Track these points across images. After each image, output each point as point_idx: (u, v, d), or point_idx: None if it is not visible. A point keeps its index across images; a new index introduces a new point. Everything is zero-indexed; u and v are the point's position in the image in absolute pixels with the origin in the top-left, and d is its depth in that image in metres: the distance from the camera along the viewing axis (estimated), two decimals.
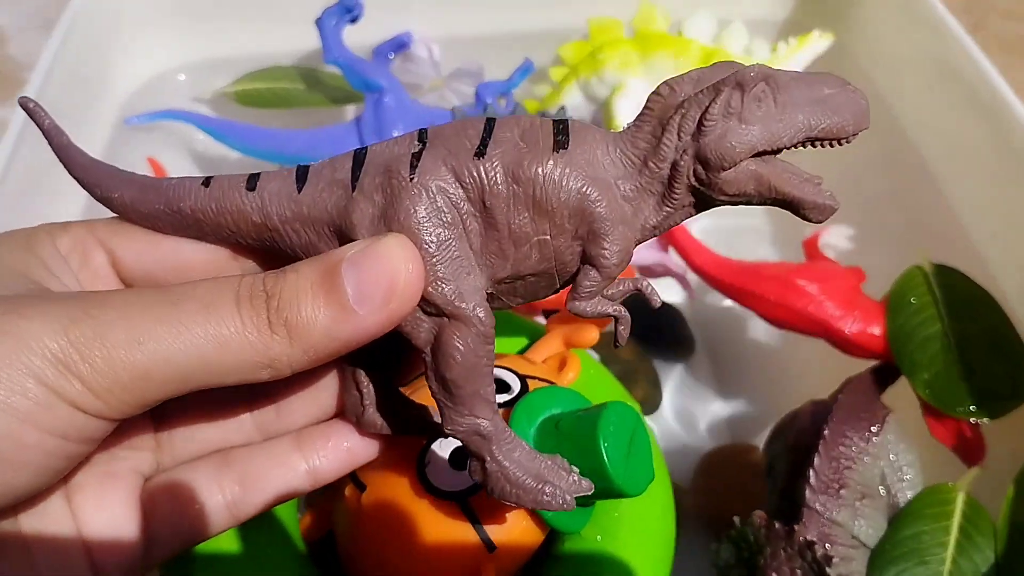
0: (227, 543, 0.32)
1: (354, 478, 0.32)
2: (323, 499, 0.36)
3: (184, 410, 0.24)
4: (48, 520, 0.21)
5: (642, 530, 0.33)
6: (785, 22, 0.65)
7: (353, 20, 0.55)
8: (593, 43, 0.58)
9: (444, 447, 0.31)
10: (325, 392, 0.25)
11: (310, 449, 0.24)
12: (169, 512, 0.23)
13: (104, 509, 0.22)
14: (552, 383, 0.34)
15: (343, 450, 0.25)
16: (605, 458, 0.28)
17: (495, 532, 0.30)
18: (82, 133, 0.56)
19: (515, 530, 0.30)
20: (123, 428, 0.22)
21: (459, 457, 0.30)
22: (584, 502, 0.31)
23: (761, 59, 0.55)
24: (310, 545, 0.34)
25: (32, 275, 0.21)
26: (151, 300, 0.19)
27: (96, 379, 0.18)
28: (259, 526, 0.33)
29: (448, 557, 0.29)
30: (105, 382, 0.18)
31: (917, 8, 0.55)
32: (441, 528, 0.30)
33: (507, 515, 0.30)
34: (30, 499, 0.20)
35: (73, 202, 0.53)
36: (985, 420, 0.39)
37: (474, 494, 0.30)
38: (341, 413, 0.25)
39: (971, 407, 0.39)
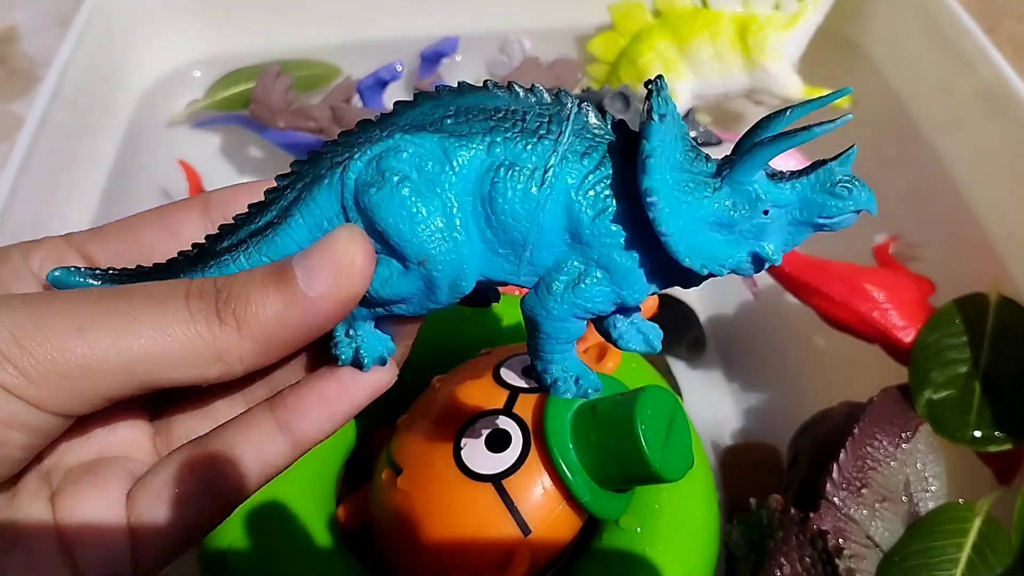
0: (263, 534, 0.32)
1: (391, 461, 0.32)
2: (360, 489, 0.36)
3: (182, 408, 0.23)
4: (23, 514, 0.20)
5: (683, 523, 0.33)
6: None
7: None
8: (620, 31, 0.57)
9: (480, 430, 0.31)
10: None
11: (282, 408, 0.22)
12: (152, 512, 0.21)
13: (87, 510, 0.21)
14: None
15: (318, 400, 0.22)
16: (642, 441, 0.28)
17: (530, 515, 0.29)
18: (98, 130, 0.56)
19: (551, 515, 0.30)
20: (115, 426, 0.22)
21: (494, 440, 0.30)
22: (622, 488, 0.31)
23: (790, 12, 0.55)
24: (347, 535, 0.34)
25: None
26: (100, 294, 0.19)
27: (31, 364, 0.18)
28: (295, 516, 0.33)
29: (482, 538, 0.29)
30: (41, 368, 0.18)
31: (933, 9, 0.55)
32: (476, 510, 0.30)
33: (543, 499, 0.30)
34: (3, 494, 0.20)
35: (88, 196, 0.53)
36: (989, 449, 0.39)
37: (508, 476, 0.30)
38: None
39: (970, 435, 0.39)
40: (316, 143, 0.56)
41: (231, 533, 0.32)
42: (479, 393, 0.32)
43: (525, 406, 0.31)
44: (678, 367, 0.52)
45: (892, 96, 0.59)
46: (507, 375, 0.32)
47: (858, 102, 0.55)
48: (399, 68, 0.57)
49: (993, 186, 0.50)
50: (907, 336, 0.43)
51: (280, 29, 0.63)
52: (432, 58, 0.60)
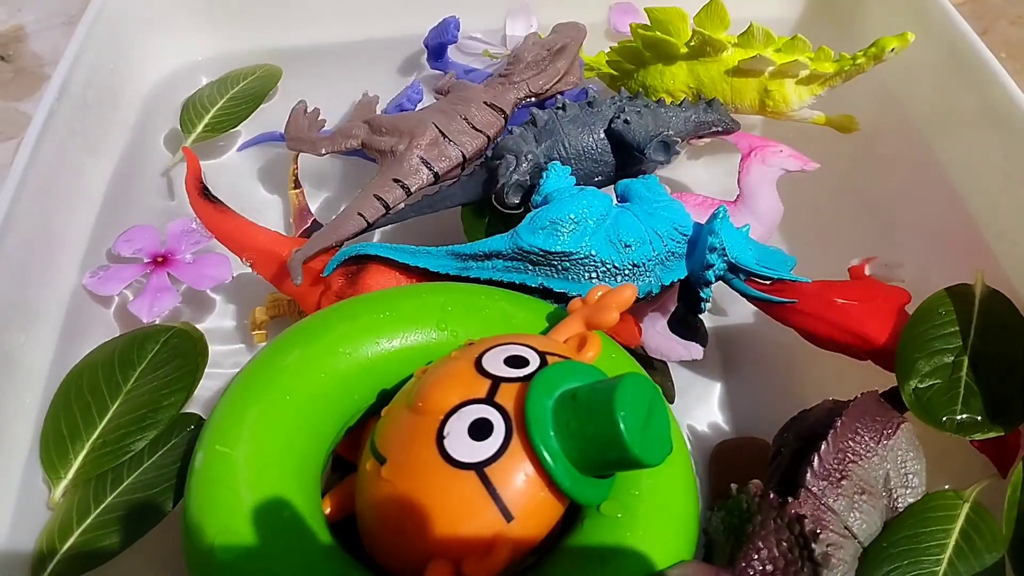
0: (249, 527, 0.32)
1: (375, 451, 0.32)
2: (345, 481, 0.36)
3: None
4: None
5: (663, 509, 0.33)
6: (796, 23, 0.66)
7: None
8: (657, 31, 0.55)
9: (462, 419, 0.31)
10: None
11: None
12: None
13: None
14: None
15: None
16: (621, 426, 0.28)
17: (513, 502, 0.30)
18: (105, 127, 0.57)
19: (533, 501, 0.30)
20: None
21: (477, 428, 0.31)
22: (603, 474, 0.31)
23: (824, 69, 0.53)
24: (333, 526, 0.35)
25: None
26: None
27: None
28: (281, 509, 0.33)
29: (466, 526, 0.30)
30: None
31: (927, 12, 0.55)
32: (459, 498, 0.30)
33: (525, 486, 0.30)
34: None
35: (95, 191, 0.54)
36: (975, 436, 0.39)
37: (491, 464, 0.30)
38: None
39: (956, 422, 0.39)
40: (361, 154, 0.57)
41: (217, 526, 0.32)
42: (461, 382, 0.32)
43: (507, 395, 0.31)
44: (674, 366, 0.52)
45: (888, 96, 0.59)
46: (489, 364, 0.32)
47: (854, 103, 0.55)
48: (419, 92, 0.58)
49: (989, 185, 0.50)
50: (882, 340, 0.43)
51: (287, 28, 0.64)
52: (439, 49, 0.61)
